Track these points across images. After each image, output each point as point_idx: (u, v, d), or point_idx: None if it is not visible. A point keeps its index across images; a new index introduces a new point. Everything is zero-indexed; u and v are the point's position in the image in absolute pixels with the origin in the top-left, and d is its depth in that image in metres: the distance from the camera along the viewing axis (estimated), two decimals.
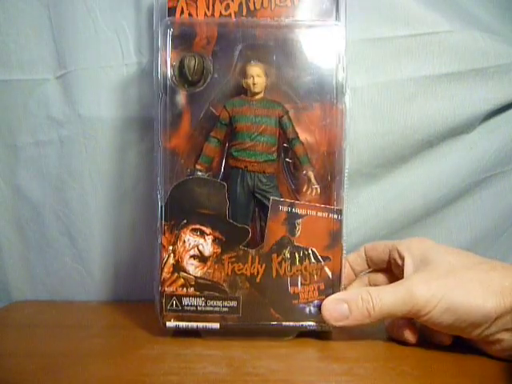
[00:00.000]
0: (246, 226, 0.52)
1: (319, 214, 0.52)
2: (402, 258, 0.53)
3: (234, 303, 0.52)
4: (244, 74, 0.52)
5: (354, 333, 0.55)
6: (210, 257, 0.52)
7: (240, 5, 0.53)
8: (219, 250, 0.52)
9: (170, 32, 0.51)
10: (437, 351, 0.50)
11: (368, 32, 0.64)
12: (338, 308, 0.50)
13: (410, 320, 0.52)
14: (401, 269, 0.52)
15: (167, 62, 0.52)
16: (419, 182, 0.67)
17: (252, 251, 0.52)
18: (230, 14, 0.53)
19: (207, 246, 0.52)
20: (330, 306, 0.51)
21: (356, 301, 0.49)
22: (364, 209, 0.68)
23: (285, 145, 0.54)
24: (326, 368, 0.47)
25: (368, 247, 0.59)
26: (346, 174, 0.53)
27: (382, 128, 0.66)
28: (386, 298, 0.48)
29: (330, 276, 0.53)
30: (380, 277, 0.58)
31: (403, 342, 0.52)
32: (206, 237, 0.52)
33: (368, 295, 0.49)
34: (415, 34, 0.64)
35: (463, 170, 0.67)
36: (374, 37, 0.64)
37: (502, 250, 0.70)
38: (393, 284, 0.50)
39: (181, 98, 0.52)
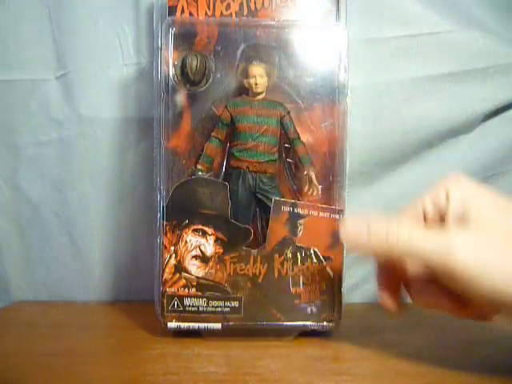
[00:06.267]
0: (248, 227, 0.53)
1: (321, 214, 0.52)
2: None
3: (235, 303, 0.52)
4: (246, 74, 0.52)
5: (354, 332, 0.55)
6: (211, 257, 0.52)
7: (241, 4, 0.53)
8: (221, 251, 0.52)
9: (171, 31, 0.51)
10: (437, 351, 0.50)
11: (368, 32, 0.64)
12: (358, 226, 0.43)
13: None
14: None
15: (169, 61, 0.52)
16: (419, 182, 0.67)
17: (254, 251, 0.52)
18: (230, 14, 0.53)
19: (209, 247, 0.52)
20: (350, 219, 0.45)
21: (379, 225, 0.42)
22: (364, 209, 0.67)
23: (286, 145, 0.54)
24: (325, 368, 0.47)
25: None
26: (346, 174, 0.53)
27: (382, 128, 0.66)
28: (416, 237, 0.40)
29: (332, 276, 0.53)
30: None
31: (403, 340, 0.52)
32: (208, 237, 0.52)
33: (396, 225, 0.41)
34: (415, 34, 0.64)
35: (463, 170, 0.67)
36: (373, 37, 0.64)
37: None
38: (432, 229, 0.42)
39: (182, 97, 0.52)
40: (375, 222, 0.42)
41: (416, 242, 0.40)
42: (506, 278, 0.38)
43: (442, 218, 0.42)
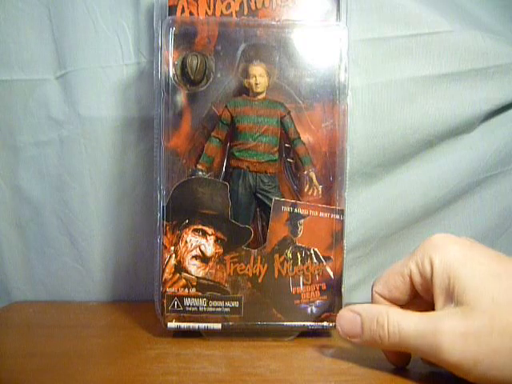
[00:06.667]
0: (248, 227, 0.53)
1: (321, 214, 0.52)
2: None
3: (235, 303, 0.52)
4: (246, 73, 0.52)
5: None
6: (212, 257, 0.52)
7: (241, 4, 0.53)
8: (221, 251, 0.52)
9: (171, 31, 0.51)
10: None
11: (368, 32, 0.64)
12: (352, 322, 0.44)
13: None
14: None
15: (169, 61, 0.52)
16: (419, 182, 0.67)
17: (254, 251, 0.52)
18: (230, 14, 0.53)
19: (209, 247, 0.52)
20: (344, 315, 0.46)
21: (370, 322, 0.43)
22: (364, 209, 0.68)
23: (286, 145, 0.54)
24: (325, 368, 0.47)
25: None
26: (346, 174, 0.53)
27: (382, 128, 0.66)
28: (405, 332, 0.41)
29: (332, 276, 0.53)
30: None
31: None
32: (208, 237, 0.52)
33: (385, 320, 0.42)
34: (415, 34, 0.64)
35: (463, 170, 0.67)
36: (374, 37, 0.64)
37: (501, 251, 0.69)
38: (421, 316, 0.41)
39: (182, 97, 0.52)
40: (367, 317, 0.43)
41: (406, 339, 0.40)
42: (493, 367, 0.37)
43: (430, 288, 0.42)
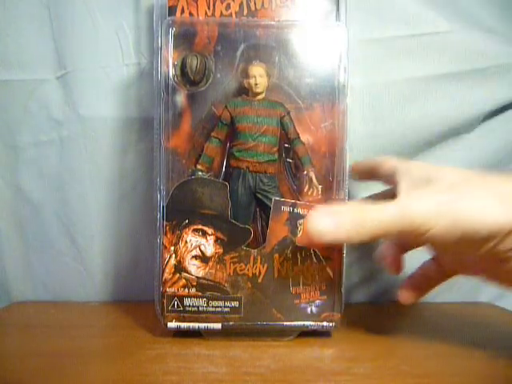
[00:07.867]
0: (248, 227, 0.53)
1: None
2: (396, 183, 0.48)
3: (235, 303, 0.52)
4: (246, 74, 0.52)
5: (354, 332, 0.55)
6: (211, 257, 0.52)
7: (241, 5, 0.53)
8: (221, 251, 0.52)
9: (171, 31, 0.51)
10: (437, 351, 0.50)
11: (368, 32, 0.64)
12: (325, 219, 0.44)
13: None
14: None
15: (169, 61, 0.52)
16: None
17: (254, 251, 0.52)
18: (230, 14, 0.53)
19: (209, 247, 0.52)
20: (315, 216, 0.45)
21: (345, 211, 0.45)
22: None
23: (286, 145, 0.54)
24: (325, 368, 0.47)
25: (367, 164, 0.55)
26: (346, 174, 0.53)
27: (382, 128, 0.66)
28: (380, 212, 0.43)
29: (332, 276, 0.53)
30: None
31: (403, 340, 0.52)
32: (208, 237, 0.52)
33: (360, 207, 0.45)
34: (415, 34, 0.64)
35: None
36: (374, 37, 0.64)
37: None
38: (387, 201, 0.44)
39: (182, 97, 0.52)
40: (342, 212, 0.45)
41: (382, 221, 0.43)
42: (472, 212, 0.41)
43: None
